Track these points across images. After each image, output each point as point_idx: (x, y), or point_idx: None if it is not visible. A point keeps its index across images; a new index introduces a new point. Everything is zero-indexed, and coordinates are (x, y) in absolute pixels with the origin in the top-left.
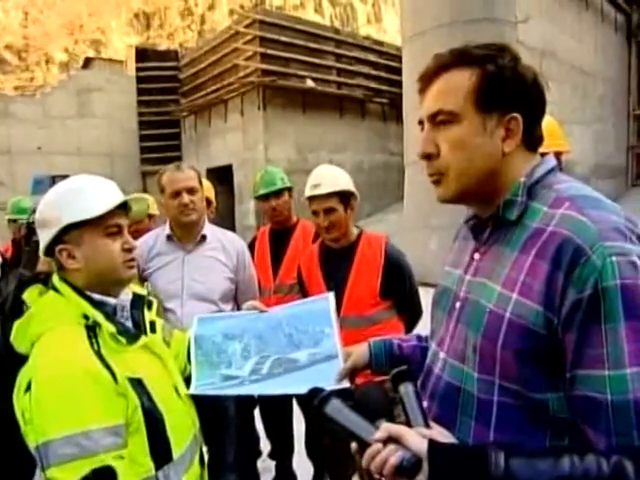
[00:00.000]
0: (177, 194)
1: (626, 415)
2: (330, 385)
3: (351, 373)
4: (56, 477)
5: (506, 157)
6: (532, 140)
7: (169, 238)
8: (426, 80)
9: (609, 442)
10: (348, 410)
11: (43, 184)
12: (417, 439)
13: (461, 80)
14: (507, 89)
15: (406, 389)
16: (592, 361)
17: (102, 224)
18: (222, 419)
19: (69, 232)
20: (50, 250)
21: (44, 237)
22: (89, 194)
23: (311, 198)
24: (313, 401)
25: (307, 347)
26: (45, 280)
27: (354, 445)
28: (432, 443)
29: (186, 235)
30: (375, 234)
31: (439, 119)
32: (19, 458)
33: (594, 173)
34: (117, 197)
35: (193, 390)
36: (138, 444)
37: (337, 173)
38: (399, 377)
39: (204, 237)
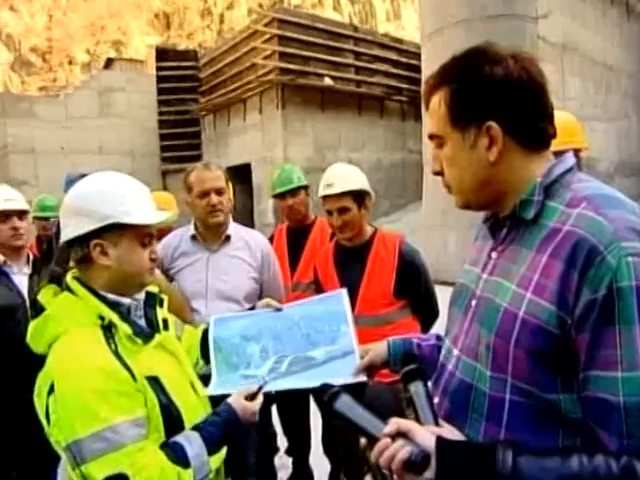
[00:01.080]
0: (205, 194)
1: (638, 417)
2: (346, 379)
3: (369, 369)
4: (91, 472)
5: (498, 164)
6: (530, 139)
7: (193, 238)
8: (425, 103)
9: (621, 444)
10: (358, 406)
11: (76, 182)
12: (426, 435)
13: (436, 104)
14: (472, 102)
15: (416, 388)
16: (605, 362)
17: (141, 231)
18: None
19: (112, 230)
20: (79, 241)
21: (81, 226)
22: (141, 199)
23: (324, 197)
24: (323, 397)
25: (324, 345)
26: (59, 280)
27: (363, 440)
28: (440, 439)
29: (211, 235)
30: (390, 233)
31: (434, 141)
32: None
33: (617, 170)
34: (163, 212)
35: (212, 391)
36: (157, 441)
37: (351, 172)
38: (410, 376)
39: (228, 237)
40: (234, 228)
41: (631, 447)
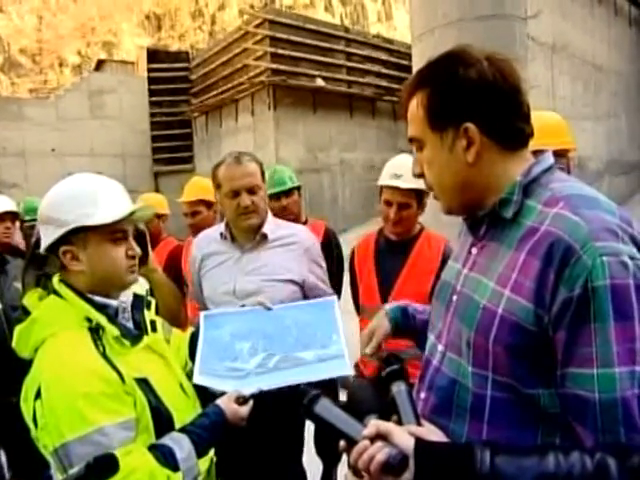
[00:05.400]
0: (236, 194)
1: (613, 413)
2: (343, 372)
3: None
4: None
5: (477, 165)
6: (508, 138)
7: (223, 237)
8: (404, 108)
9: (597, 438)
10: (337, 409)
11: None
12: (405, 437)
13: (414, 107)
14: (448, 104)
15: (398, 388)
16: (581, 360)
17: (109, 229)
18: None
19: (76, 234)
20: (52, 249)
21: (48, 235)
22: (101, 198)
23: (388, 187)
24: (302, 400)
25: (314, 348)
26: (45, 284)
27: (342, 443)
28: (419, 441)
29: (243, 235)
30: (436, 234)
31: (414, 144)
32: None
33: (607, 169)
34: (127, 205)
35: (197, 377)
36: (146, 442)
37: None
38: (392, 376)
39: (264, 236)
40: (273, 225)
41: (607, 441)
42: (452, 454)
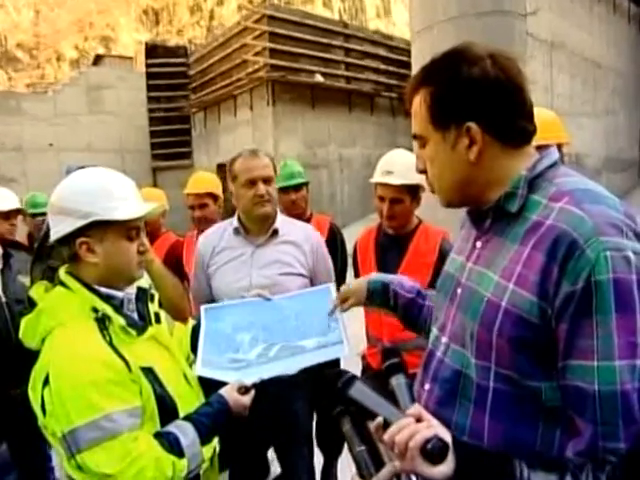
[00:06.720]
0: (252, 183)
1: (612, 405)
2: (339, 355)
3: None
4: (87, 460)
5: (479, 163)
6: (511, 137)
7: (236, 231)
8: (408, 104)
9: (595, 430)
10: (372, 392)
11: None
12: (446, 431)
13: (418, 105)
14: (450, 103)
15: (398, 381)
16: (582, 352)
17: (126, 226)
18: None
19: (95, 227)
20: (66, 240)
21: (65, 226)
22: (121, 194)
23: (380, 183)
24: (337, 383)
25: (314, 336)
26: (51, 277)
27: (380, 419)
28: (455, 438)
29: (257, 228)
30: (434, 227)
31: (417, 141)
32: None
33: (605, 166)
34: (144, 203)
35: (199, 369)
36: (151, 430)
37: (411, 162)
38: (392, 370)
39: (276, 231)
40: (282, 222)
41: (605, 433)
42: (492, 458)
